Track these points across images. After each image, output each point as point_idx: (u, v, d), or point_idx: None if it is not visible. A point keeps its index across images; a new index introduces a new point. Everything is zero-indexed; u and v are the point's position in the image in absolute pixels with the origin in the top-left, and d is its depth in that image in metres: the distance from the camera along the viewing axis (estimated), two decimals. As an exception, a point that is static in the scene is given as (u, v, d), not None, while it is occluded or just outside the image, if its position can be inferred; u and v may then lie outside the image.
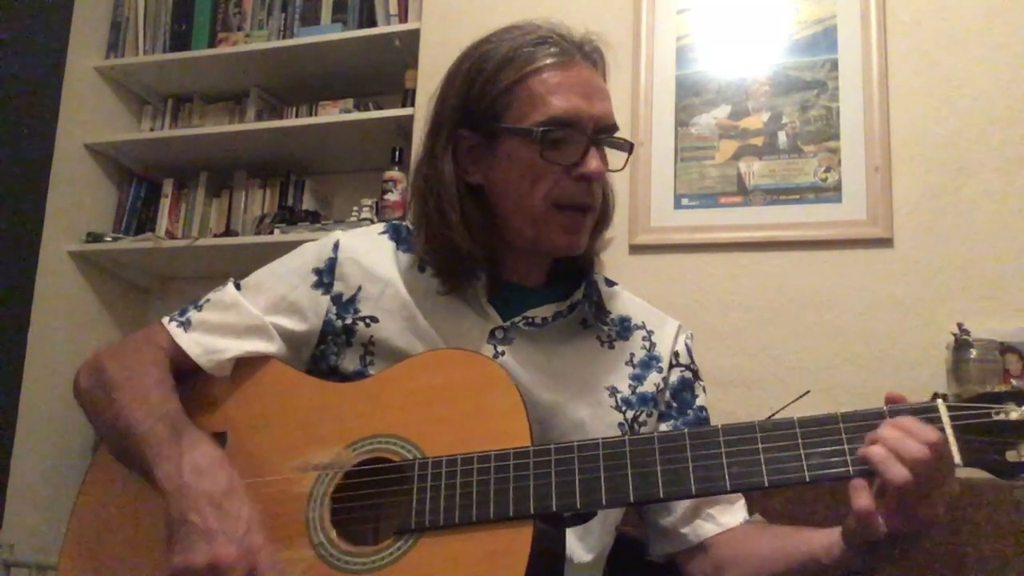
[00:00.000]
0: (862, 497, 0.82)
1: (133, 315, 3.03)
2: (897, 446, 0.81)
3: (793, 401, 1.02)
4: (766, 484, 0.86)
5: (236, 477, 0.95)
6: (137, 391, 1.03)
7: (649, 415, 1.13)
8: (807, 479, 0.84)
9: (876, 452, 0.82)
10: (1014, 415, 0.81)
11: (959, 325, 1.90)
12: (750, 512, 1.14)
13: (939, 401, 0.84)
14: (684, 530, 1.11)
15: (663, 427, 1.15)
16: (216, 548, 0.87)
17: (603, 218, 1.15)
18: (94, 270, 2.90)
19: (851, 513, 0.83)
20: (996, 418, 0.82)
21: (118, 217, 2.99)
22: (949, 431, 0.82)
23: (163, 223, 2.93)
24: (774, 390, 2.05)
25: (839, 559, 0.91)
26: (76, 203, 2.87)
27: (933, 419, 0.83)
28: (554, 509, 0.89)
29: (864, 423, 0.85)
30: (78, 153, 2.88)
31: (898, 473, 0.80)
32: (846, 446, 0.84)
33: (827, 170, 2.15)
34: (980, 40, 2.08)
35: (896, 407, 0.86)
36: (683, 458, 0.88)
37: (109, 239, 2.85)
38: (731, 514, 1.12)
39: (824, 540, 0.93)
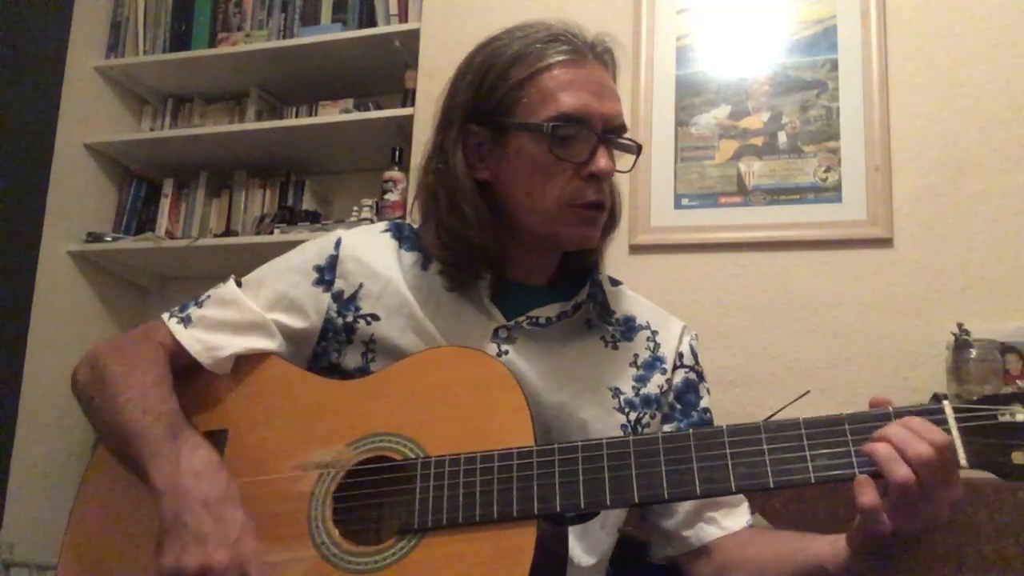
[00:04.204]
0: (867, 494, 0.81)
1: (133, 315, 3.02)
2: (903, 445, 0.81)
3: (793, 401, 1.01)
4: (771, 485, 0.85)
5: (232, 482, 0.95)
6: (135, 389, 1.02)
7: (652, 417, 1.13)
8: (812, 480, 0.84)
9: (881, 450, 0.82)
10: (1020, 416, 0.81)
11: (959, 325, 1.90)
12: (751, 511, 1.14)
13: (945, 403, 0.83)
14: (686, 533, 1.11)
15: (667, 428, 1.14)
16: (208, 551, 0.87)
17: (611, 220, 1.14)
18: (94, 270, 2.90)
19: (857, 510, 0.83)
20: (1002, 419, 0.81)
21: (118, 217, 2.99)
22: (955, 433, 0.82)
23: (163, 223, 2.93)
24: (774, 390, 2.05)
25: (845, 566, 0.90)
26: (76, 203, 2.86)
27: (939, 420, 0.83)
28: (558, 509, 0.89)
29: (870, 424, 0.85)
30: (78, 153, 2.88)
31: (902, 473, 0.80)
32: (851, 448, 0.84)
33: (827, 170, 2.15)
34: (980, 40, 2.08)
35: (902, 409, 0.85)
36: (687, 459, 0.88)
37: (109, 239, 2.85)
38: (734, 518, 1.11)
39: (829, 547, 0.92)
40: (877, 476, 0.82)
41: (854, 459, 0.84)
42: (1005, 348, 1.87)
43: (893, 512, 0.82)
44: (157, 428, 0.97)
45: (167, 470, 0.93)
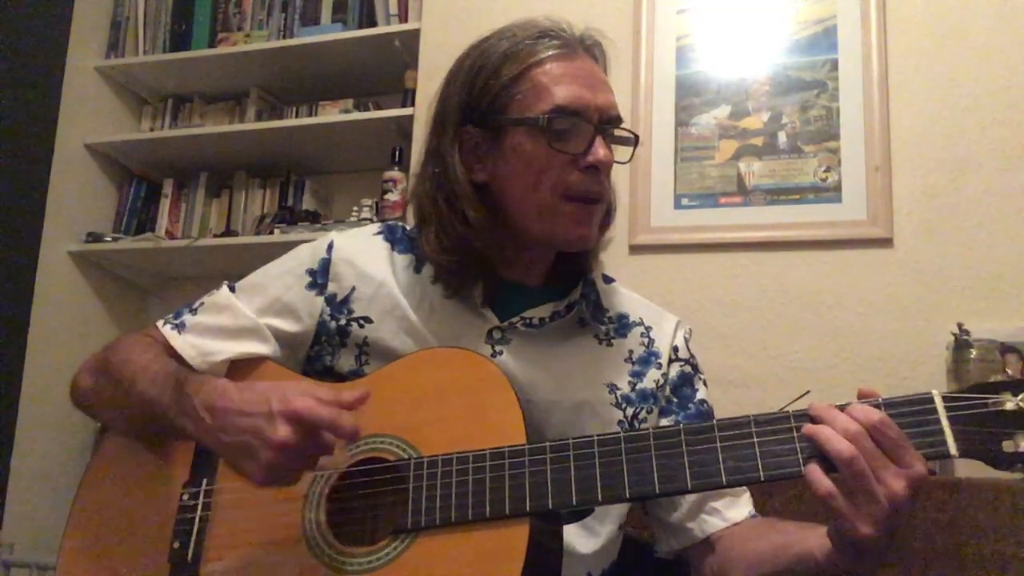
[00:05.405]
0: (821, 482, 0.82)
1: (133, 315, 3.03)
2: (835, 423, 0.82)
3: (793, 401, 1.01)
4: (762, 477, 0.85)
5: (240, 384, 0.96)
6: (139, 366, 1.04)
7: (649, 411, 1.13)
8: (802, 472, 0.84)
9: (820, 430, 0.83)
10: (1009, 405, 0.80)
11: (959, 325, 1.90)
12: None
13: (935, 392, 0.83)
14: (690, 525, 1.10)
15: (664, 422, 1.14)
16: (269, 435, 0.87)
17: (607, 216, 1.14)
18: (94, 270, 2.91)
19: (816, 500, 0.83)
20: (992, 408, 0.81)
21: (118, 217, 2.99)
22: (945, 422, 0.82)
23: (163, 223, 2.93)
24: (774, 390, 2.05)
25: (831, 558, 0.90)
26: (76, 203, 2.87)
27: (929, 410, 0.83)
28: (550, 507, 0.89)
29: None
30: (78, 153, 2.88)
31: (842, 447, 0.80)
32: None
33: (827, 170, 2.15)
34: (980, 40, 2.08)
35: (891, 399, 0.85)
36: (678, 453, 0.88)
37: (109, 239, 2.85)
38: (737, 508, 1.11)
39: (819, 539, 0.92)
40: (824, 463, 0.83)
41: None
42: (1005, 348, 1.87)
43: (852, 497, 0.81)
44: (166, 393, 0.99)
45: (190, 424, 0.95)
